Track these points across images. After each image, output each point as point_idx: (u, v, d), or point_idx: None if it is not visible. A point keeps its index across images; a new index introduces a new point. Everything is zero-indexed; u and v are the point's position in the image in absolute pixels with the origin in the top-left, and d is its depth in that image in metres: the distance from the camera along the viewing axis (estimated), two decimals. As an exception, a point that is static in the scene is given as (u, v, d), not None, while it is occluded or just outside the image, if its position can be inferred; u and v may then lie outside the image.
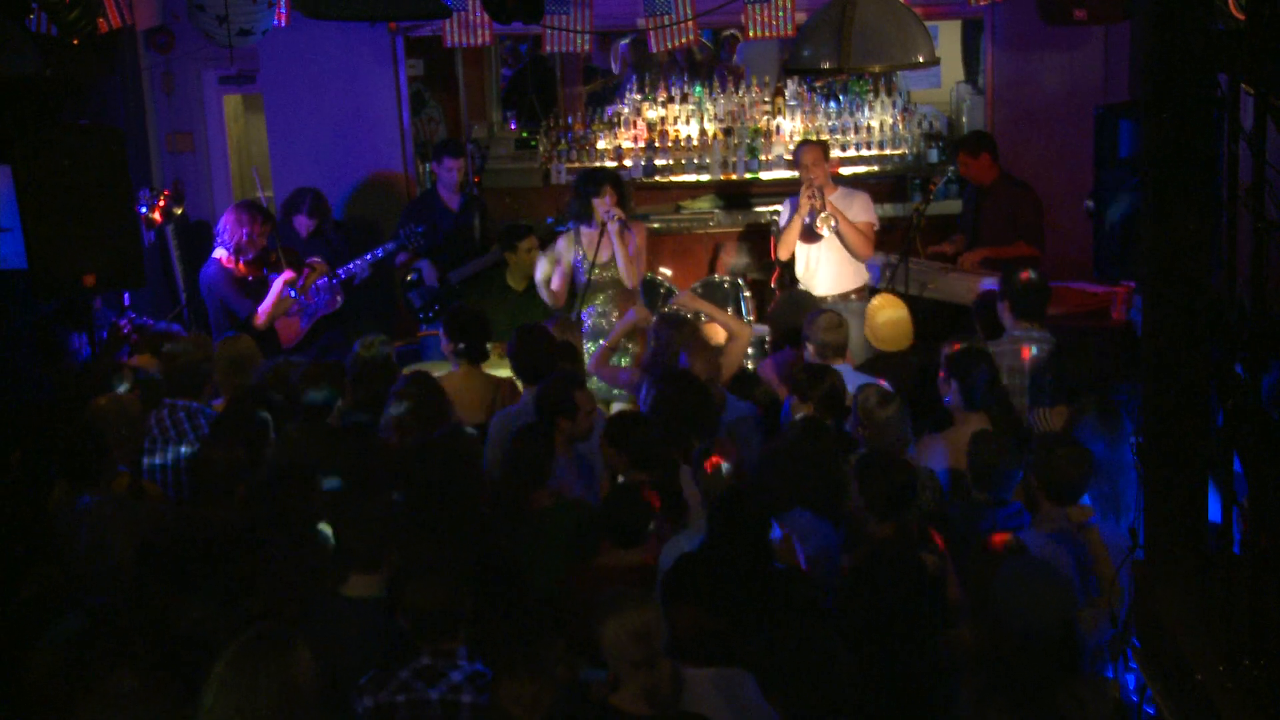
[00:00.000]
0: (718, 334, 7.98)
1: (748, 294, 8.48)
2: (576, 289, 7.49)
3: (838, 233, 7.77)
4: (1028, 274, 6.36)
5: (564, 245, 7.56)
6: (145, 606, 4.12)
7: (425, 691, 3.74)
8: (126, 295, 8.02)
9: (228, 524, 4.66)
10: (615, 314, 7.45)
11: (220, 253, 7.58)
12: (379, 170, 9.43)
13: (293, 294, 7.63)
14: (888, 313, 6.77)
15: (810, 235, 7.86)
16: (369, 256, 7.88)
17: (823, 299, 7.74)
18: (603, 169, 8.34)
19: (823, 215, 7.73)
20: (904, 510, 4.66)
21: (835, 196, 7.87)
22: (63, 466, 5.12)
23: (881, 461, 4.75)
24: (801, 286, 7.97)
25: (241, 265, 7.56)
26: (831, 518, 4.93)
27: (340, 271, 7.83)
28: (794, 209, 7.93)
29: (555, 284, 7.52)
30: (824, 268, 7.94)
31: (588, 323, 7.50)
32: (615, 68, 11.70)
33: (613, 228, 7.30)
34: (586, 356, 6.88)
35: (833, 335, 6.22)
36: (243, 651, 3.45)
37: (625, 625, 3.67)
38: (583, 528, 4.84)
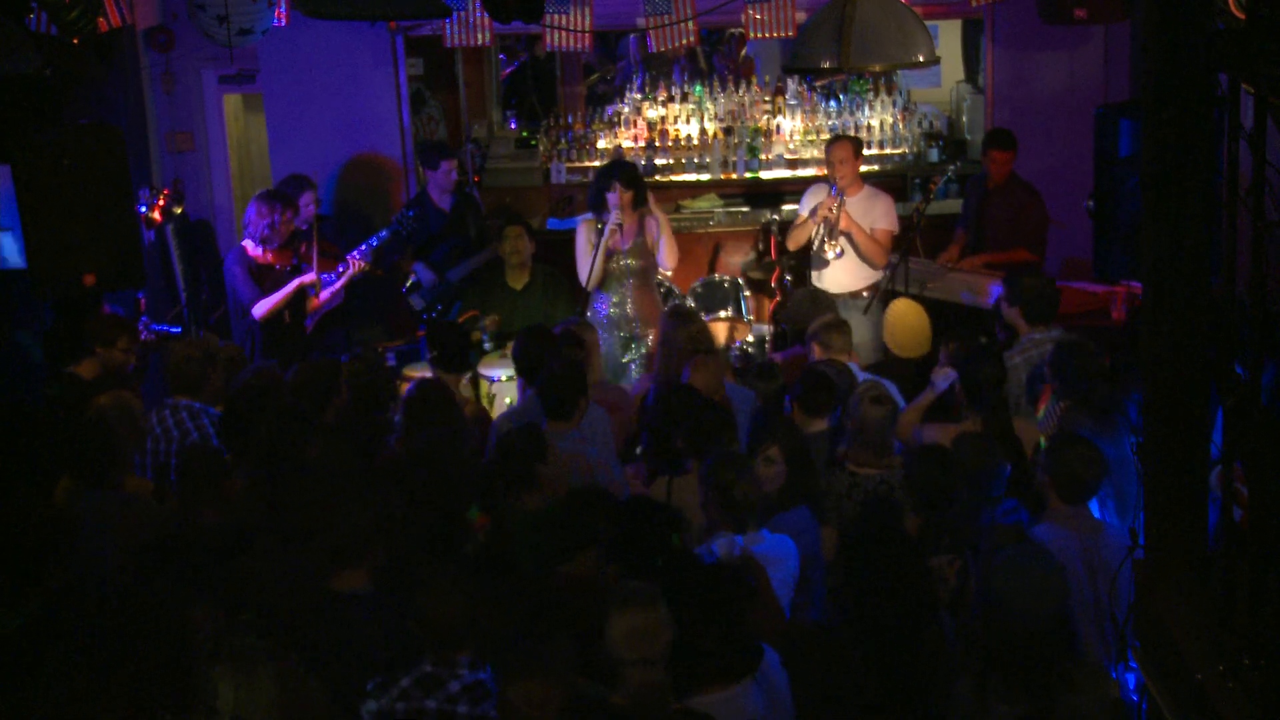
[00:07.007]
0: (719, 333, 7.98)
1: (748, 294, 8.47)
2: (582, 280, 7.51)
3: (853, 244, 7.74)
4: (1034, 280, 6.35)
5: (584, 233, 7.57)
6: (144, 605, 4.10)
7: (422, 700, 3.77)
8: (142, 299, 8.03)
9: (224, 523, 4.65)
10: (631, 304, 7.50)
11: (247, 242, 7.62)
12: (379, 170, 9.42)
13: (322, 297, 7.72)
14: (909, 320, 6.75)
15: (819, 260, 7.84)
16: (364, 246, 7.88)
17: (836, 297, 7.73)
18: (617, 162, 8.31)
19: (830, 242, 7.71)
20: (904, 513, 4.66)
21: (860, 197, 7.81)
22: (68, 464, 5.11)
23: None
24: (813, 283, 7.96)
25: (270, 254, 7.57)
26: (816, 516, 4.98)
27: (348, 258, 7.86)
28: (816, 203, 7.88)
29: (581, 272, 7.53)
30: (834, 266, 7.90)
31: (604, 311, 7.51)
32: (626, 55, 11.66)
33: (608, 227, 7.31)
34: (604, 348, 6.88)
35: (838, 338, 6.23)
36: (245, 664, 3.46)
37: (625, 623, 3.68)
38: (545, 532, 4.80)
